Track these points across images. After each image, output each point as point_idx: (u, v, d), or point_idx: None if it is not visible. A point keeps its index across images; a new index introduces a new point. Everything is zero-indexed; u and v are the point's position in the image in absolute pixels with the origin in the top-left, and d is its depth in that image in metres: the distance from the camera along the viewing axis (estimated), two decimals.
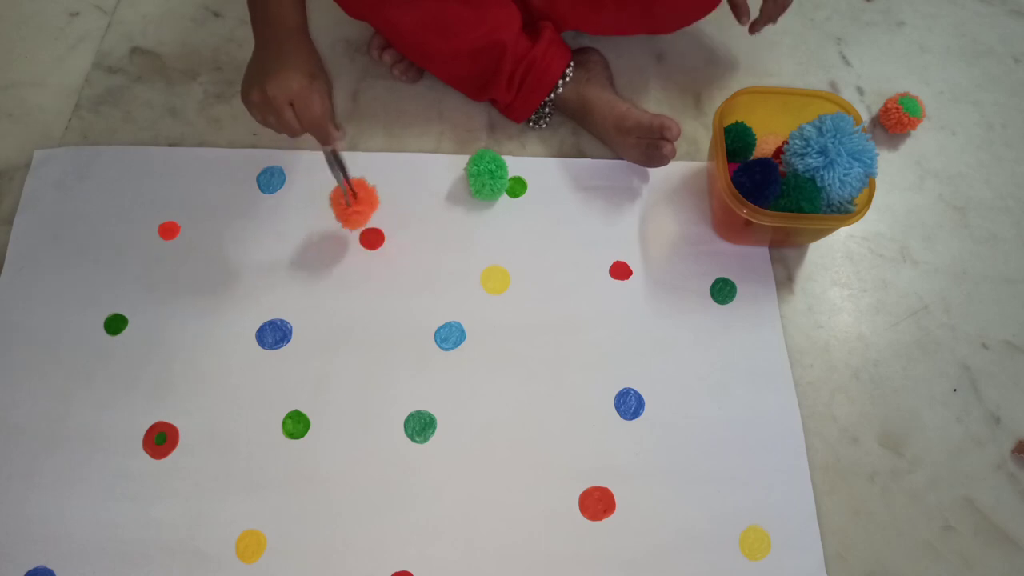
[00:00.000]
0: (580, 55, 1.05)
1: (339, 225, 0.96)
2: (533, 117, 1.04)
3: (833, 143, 0.87)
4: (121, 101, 1.06)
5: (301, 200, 0.99)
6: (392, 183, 1.00)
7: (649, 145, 0.97)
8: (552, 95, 1.01)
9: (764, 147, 0.98)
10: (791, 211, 0.89)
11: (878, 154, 0.90)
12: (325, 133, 0.82)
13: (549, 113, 1.04)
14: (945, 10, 1.22)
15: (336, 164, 0.87)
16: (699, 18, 1.07)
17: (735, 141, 0.95)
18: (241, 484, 0.83)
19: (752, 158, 0.97)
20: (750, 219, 0.87)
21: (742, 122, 0.96)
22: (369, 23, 0.99)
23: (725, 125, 0.95)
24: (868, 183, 0.90)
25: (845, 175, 0.88)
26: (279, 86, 0.79)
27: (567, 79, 1.01)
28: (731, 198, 0.88)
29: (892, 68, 1.16)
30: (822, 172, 0.88)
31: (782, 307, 0.96)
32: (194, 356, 0.89)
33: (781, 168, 0.93)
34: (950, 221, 1.04)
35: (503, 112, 1.05)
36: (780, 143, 0.97)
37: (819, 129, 0.89)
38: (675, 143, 0.97)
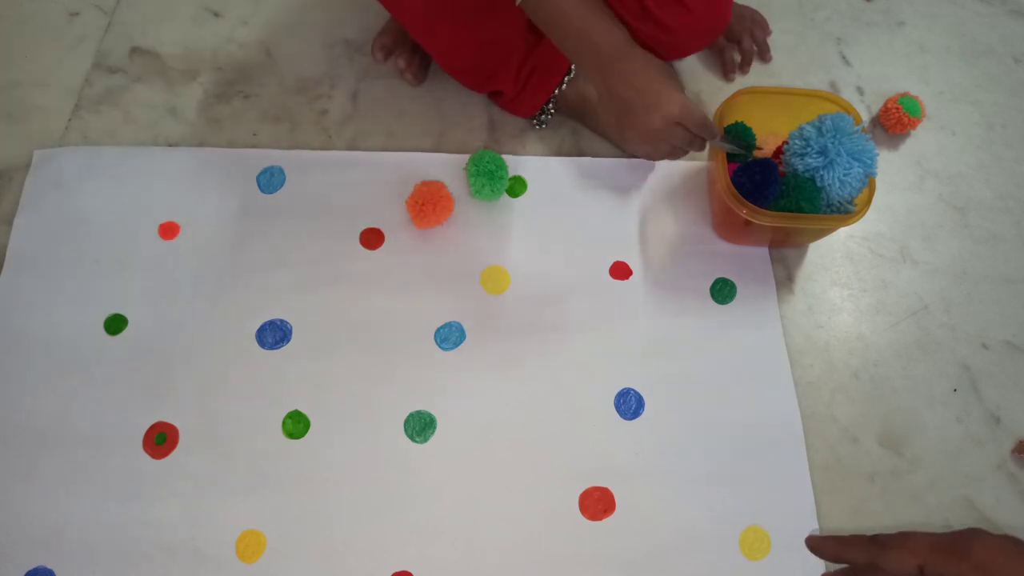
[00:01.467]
0: None
1: (340, 225, 0.97)
2: (536, 115, 1.04)
3: (833, 143, 0.87)
4: (121, 101, 1.06)
5: (301, 200, 0.99)
6: (392, 183, 1.00)
7: (671, 151, 0.98)
8: (557, 91, 1.01)
9: (764, 147, 0.98)
10: (791, 211, 0.89)
11: (878, 154, 0.90)
12: (712, 130, 0.86)
13: (552, 110, 1.04)
14: (945, 10, 1.22)
15: (730, 143, 0.91)
16: (702, 47, 1.07)
17: (735, 141, 0.95)
18: (241, 484, 0.83)
19: (752, 158, 0.97)
20: (750, 219, 0.87)
21: (742, 122, 0.96)
22: (380, 3, 0.97)
23: (725, 125, 0.95)
24: (868, 183, 0.90)
25: (845, 175, 0.88)
26: (664, 119, 0.81)
27: (571, 75, 1.01)
28: (731, 198, 0.88)
29: (892, 68, 1.16)
30: (822, 172, 0.88)
31: (782, 307, 0.96)
32: (194, 356, 0.89)
33: (781, 168, 0.93)
34: (950, 221, 1.04)
35: (506, 107, 1.05)
36: (780, 143, 0.97)
37: (819, 129, 0.89)
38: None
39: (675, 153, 0.95)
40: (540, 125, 1.06)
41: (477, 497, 0.84)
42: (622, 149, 1.04)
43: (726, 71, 1.12)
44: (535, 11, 0.81)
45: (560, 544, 0.82)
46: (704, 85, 1.12)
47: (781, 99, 0.97)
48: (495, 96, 1.05)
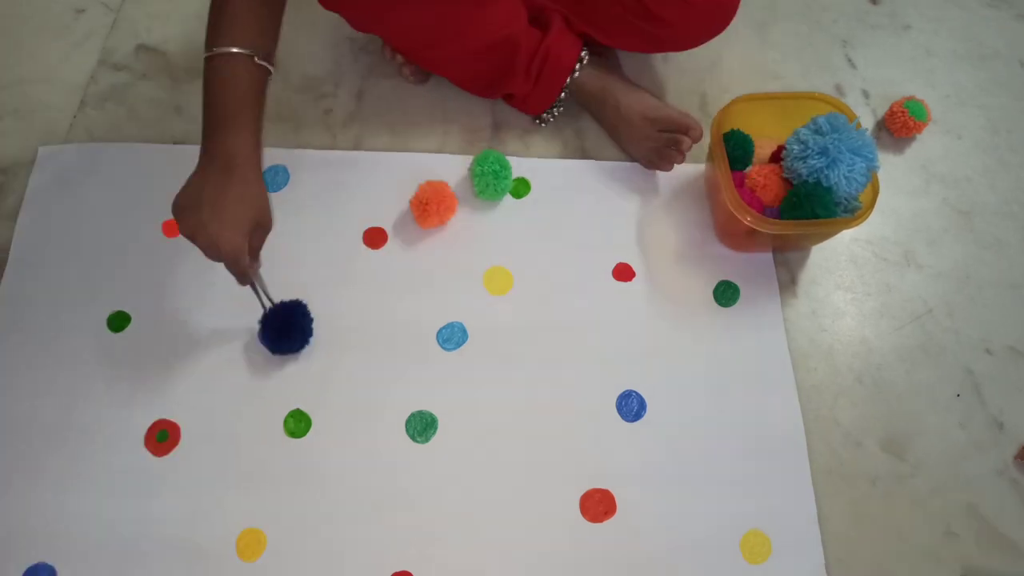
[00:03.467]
0: (595, 47, 1.05)
1: (343, 225, 0.97)
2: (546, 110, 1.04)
3: (833, 142, 0.87)
4: (126, 98, 1.07)
5: (305, 199, 0.99)
6: (396, 182, 1.00)
7: (668, 141, 0.98)
8: (569, 80, 1.01)
9: (761, 152, 0.98)
10: (806, 219, 0.88)
11: (877, 147, 0.90)
12: (238, 274, 0.78)
13: (563, 101, 1.03)
14: (951, 14, 1.21)
15: (257, 291, 0.85)
16: (705, 41, 1.06)
17: (735, 148, 0.95)
18: (242, 482, 0.83)
19: (753, 164, 0.97)
20: (754, 227, 0.87)
21: (739, 129, 0.96)
22: (377, 34, 0.98)
23: (723, 132, 0.95)
24: (871, 177, 0.90)
25: (849, 172, 0.88)
26: (190, 229, 0.74)
27: (583, 62, 1.00)
28: (736, 207, 0.87)
29: (898, 71, 1.16)
30: (826, 172, 0.88)
31: (785, 310, 0.96)
32: (196, 354, 0.89)
33: (782, 172, 0.93)
34: (955, 225, 1.04)
35: (518, 106, 1.04)
36: (776, 147, 0.97)
37: (815, 131, 0.89)
38: (687, 151, 0.98)
39: (666, 156, 0.98)
40: (543, 123, 1.06)
41: (477, 498, 0.84)
42: (623, 151, 1.04)
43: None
44: None
45: (560, 546, 0.82)
46: (708, 87, 1.12)
47: (777, 104, 0.97)
48: (507, 99, 1.05)
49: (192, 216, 0.74)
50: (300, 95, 1.08)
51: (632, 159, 1.04)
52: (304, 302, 0.90)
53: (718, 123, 0.93)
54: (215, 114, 0.76)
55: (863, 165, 0.88)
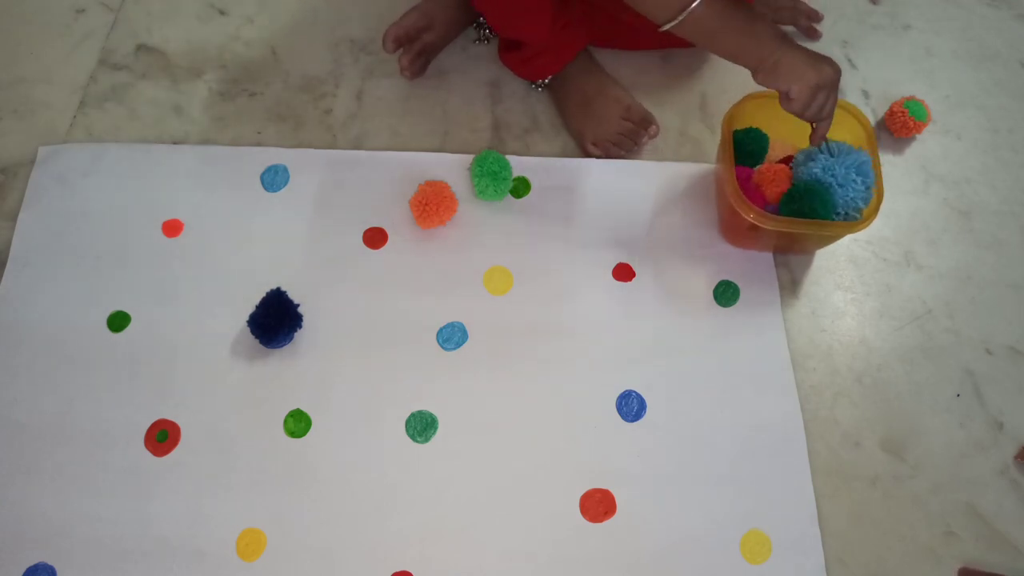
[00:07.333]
0: None
1: (343, 224, 0.97)
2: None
3: (838, 164, 0.90)
4: (126, 98, 1.07)
5: (304, 199, 0.99)
6: (396, 182, 1.00)
7: (631, 131, 1.02)
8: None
9: (772, 155, 0.98)
10: (805, 216, 0.89)
11: (877, 148, 0.91)
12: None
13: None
14: (951, 14, 1.21)
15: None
16: None
17: (751, 143, 0.95)
18: (242, 482, 0.83)
19: (764, 162, 0.98)
20: (756, 223, 0.87)
21: (757, 128, 0.96)
22: None
23: (734, 130, 0.95)
24: (872, 194, 0.90)
25: (849, 194, 0.89)
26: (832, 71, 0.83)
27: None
28: (738, 202, 0.87)
29: (898, 72, 1.16)
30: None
31: (785, 310, 0.96)
32: (196, 354, 0.89)
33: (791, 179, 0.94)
34: (955, 225, 1.04)
35: (526, 64, 1.04)
36: (787, 156, 0.97)
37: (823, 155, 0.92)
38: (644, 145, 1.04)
39: (623, 145, 1.02)
40: (540, 87, 1.08)
41: (477, 498, 0.84)
42: (576, 128, 1.05)
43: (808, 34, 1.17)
44: (686, 33, 0.82)
45: (560, 546, 0.82)
46: (708, 86, 1.12)
47: None
48: (512, 51, 1.04)
49: (819, 81, 0.83)
50: (300, 95, 1.08)
51: (580, 139, 1.04)
52: (283, 289, 0.90)
53: (728, 120, 0.93)
54: (736, 37, 0.84)
55: (862, 184, 0.90)
